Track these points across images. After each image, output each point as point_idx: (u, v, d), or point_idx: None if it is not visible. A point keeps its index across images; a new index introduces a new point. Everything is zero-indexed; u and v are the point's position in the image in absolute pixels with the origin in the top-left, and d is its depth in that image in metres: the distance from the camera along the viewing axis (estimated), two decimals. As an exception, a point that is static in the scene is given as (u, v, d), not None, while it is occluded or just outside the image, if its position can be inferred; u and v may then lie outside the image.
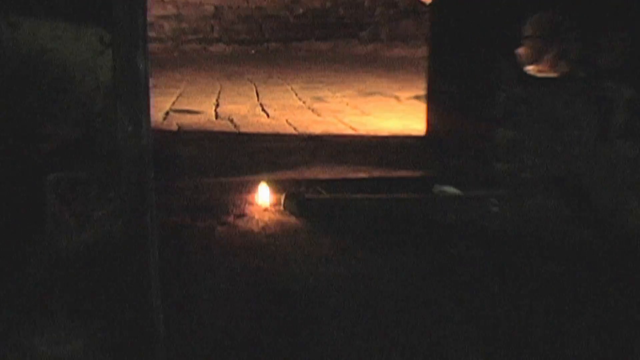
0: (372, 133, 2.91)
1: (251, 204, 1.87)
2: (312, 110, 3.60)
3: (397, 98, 4.07)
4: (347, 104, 3.86)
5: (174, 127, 3.08)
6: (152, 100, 3.35)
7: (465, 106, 2.31)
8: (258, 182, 1.95)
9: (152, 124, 2.31)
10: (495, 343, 1.20)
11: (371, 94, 4.31)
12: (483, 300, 1.34)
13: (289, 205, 1.83)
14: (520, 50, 2.07)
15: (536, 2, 2.06)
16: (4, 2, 1.43)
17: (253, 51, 6.94)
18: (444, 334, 1.22)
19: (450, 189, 1.99)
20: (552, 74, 2.10)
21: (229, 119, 3.30)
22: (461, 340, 1.20)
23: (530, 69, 2.09)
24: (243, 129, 3.03)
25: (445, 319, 1.28)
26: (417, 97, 3.69)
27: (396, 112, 3.54)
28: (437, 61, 2.61)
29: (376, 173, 2.14)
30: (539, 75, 2.09)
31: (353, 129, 3.04)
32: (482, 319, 1.28)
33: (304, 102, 3.92)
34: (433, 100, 2.65)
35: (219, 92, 4.30)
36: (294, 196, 1.84)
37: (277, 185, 1.95)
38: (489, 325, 1.26)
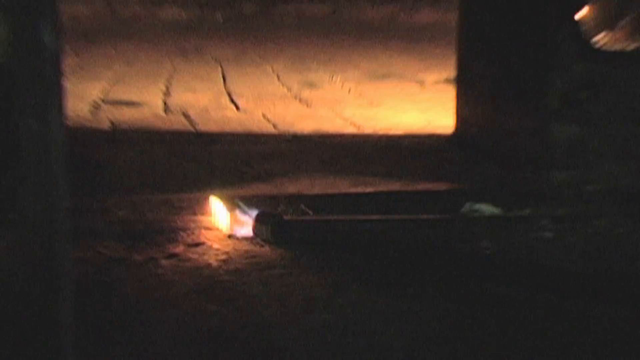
0: (381, 132, 3.00)
1: (209, 229, 1.94)
2: (300, 101, 3.70)
3: (420, 82, 4.16)
4: (350, 91, 3.96)
5: (106, 125, 3.16)
6: (76, 88, 3.48)
7: (509, 93, 2.40)
8: (219, 199, 2.03)
9: (73, 120, 2.46)
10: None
11: (384, 76, 4.40)
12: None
13: (261, 231, 1.90)
14: (585, 14, 2.15)
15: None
16: None
17: (220, 18, 7.05)
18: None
19: (487, 208, 2.07)
20: (629, 46, 2.18)
21: (182, 113, 3.39)
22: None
23: (598, 39, 2.17)
24: (202, 127, 3.12)
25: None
26: (448, 81, 3.79)
27: (417, 101, 3.64)
28: (470, 32, 2.70)
29: (384, 187, 2.22)
30: (611, 48, 2.17)
31: (356, 125, 3.13)
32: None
33: (288, 89, 4.01)
34: (465, 86, 2.75)
35: (170, 76, 4.40)
36: (269, 218, 1.92)
37: (246, 204, 2.02)
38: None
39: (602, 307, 1.60)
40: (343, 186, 2.28)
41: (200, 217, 1.99)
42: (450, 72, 3.07)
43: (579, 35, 2.15)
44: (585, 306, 1.60)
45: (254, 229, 1.91)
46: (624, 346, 1.45)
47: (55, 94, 1.04)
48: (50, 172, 1.14)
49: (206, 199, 2.06)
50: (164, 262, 1.79)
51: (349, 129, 3.09)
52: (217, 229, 1.95)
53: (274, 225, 1.89)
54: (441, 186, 2.26)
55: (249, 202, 2.00)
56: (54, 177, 1.14)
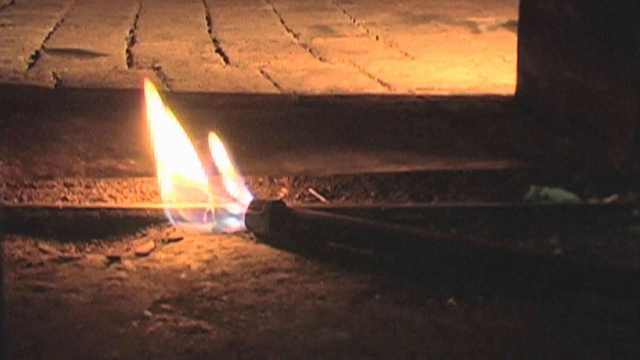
0: (419, 92, 3.01)
1: (187, 220, 1.96)
2: (311, 51, 3.73)
3: (471, 27, 4.18)
4: (378, 39, 3.98)
5: (50, 82, 3.20)
6: (12, 34, 3.53)
7: (589, 43, 2.42)
8: (201, 181, 2.04)
9: (7, 77, 2.47)
10: None
11: (424, 19, 4.44)
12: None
13: (255, 222, 1.91)
14: None
15: None
16: None
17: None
18: None
19: (560, 193, 2.08)
20: None
21: (152, 66, 3.42)
22: None
23: None
24: (178, 86, 3.15)
25: None
26: (509, 25, 3.80)
27: (468, 52, 3.67)
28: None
29: (421, 165, 2.24)
30: None
31: (385, 84, 3.15)
32: None
33: (295, 36, 4.04)
34: (529, 33, 2.79)
35: (137, 17, 4.43)
36: (266, 205, 1.93)
37: (236, 187, 2.04)
38: None
39: None
40: (366, 164, 2.30)
41: (175, 205, 2.01)
42: (513, 13, 3.08)
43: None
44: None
45: (247, 219, 1.92)
46: None
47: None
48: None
49: (185, 180, 2.07)
50: (127, 263, 1.81)
51: (376, 89, 3.10)
52: (199, 221, 1.97)
53: (273, 215, 1.90)
54: (497, 165, 2.27)
55: (240, 184, 2.01)
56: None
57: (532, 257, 1.75)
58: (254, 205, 1.93)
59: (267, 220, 1.89)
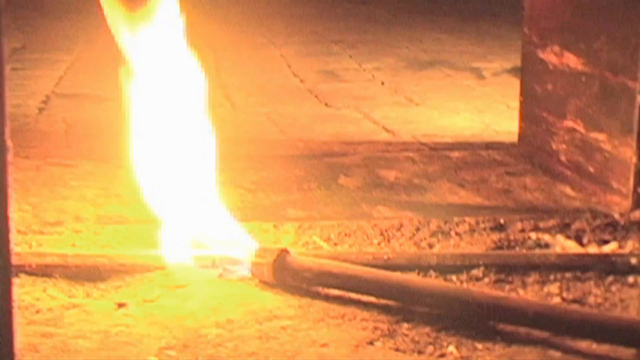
0: (423, 139, 3.04)
1: (190, 266, 1.99)
2: (318, 97, 3.74)
3: (476, 73, 4.21)
4: (383, 84, 4.00)
5: (60, 127, 3.22)
6: (23, 78, 3.54)
7: (592, 92, 2.45)
8: (205, 225, 2.08)
9: (18, 122, 2.50)
10: None
11: (429, 64, 4.46)
12: None
13: (260, 270, 1.95)
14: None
15: None
16: None
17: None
18: None
19: (560, 241, 2.11)
20: None
21: (161, 111, 3.44)
22: None
23: None
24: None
25: None
26: (513, 71, 3.83)
27: (472, 98, 3.69)
28: (540, 5, 2.75)
29: (423, 212, 2.26)
30: None
31: (389, 130, 3.18)
32: None
33: (302, 81, 4.06)
34: (532, 80, 2.82)
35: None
36: (270, 253, 1.96)
37: (242, 233, 2.07)
38: None
39: None
40: (369, 212, 2.32)
41: (178, 250, 2.03)
42: (517, 59, 3.11)
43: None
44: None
45: (253, 267, 1.96)
46: None
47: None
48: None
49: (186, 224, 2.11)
50: (134, 309, 1.83)
51: (381, 135, 3.13)
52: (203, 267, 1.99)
53: (276, 263, 1.93)
54: (499, 212, 2.30)
55: (245, 231, 2.05)
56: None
57: (530, 306, 1.78)
58: (259, 254, 1.97)
59: (271, 269, 1.93)
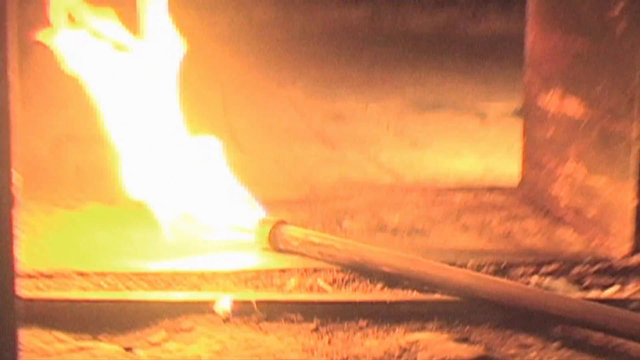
0: (426, 183, 3.08)
1: (200, 311, 1.99)
2: (324, 140, 3.75)
3: (480, 115, 4.23)
4: (388, 127, 4.02)
5: (69, 169, 3.24)
6: (34, 119, 3.52)
7: (591, 138, 2.48)
8: (212, 276, 2.12)
9: (29, 165, 2.52)
10: None
11: (434, 107, 4.47)
12: None
13: (260, 237, 2.26)
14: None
15: None
16: None
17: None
18: None
19: (562, 284, 2.12)
20: None
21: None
22: None
23: None
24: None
25: None
26: (517, 114, 3.85)
27: (476, 141, 3.71)
28: (536, 47, 2.78)
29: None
30: None
31: (394, 174, 3.22)
32: None
33: (308, 122, 4.06)
34: (533, 124, 2.85)
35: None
36: (271, 224, 2.29)
37: (248, 282, 2.12)
38: None
39: None
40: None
41: (187, 296, 2.04)
42: (521, 100, 3.12)
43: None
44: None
45: (255, 234, 2.29)
46: None
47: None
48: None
49: (194, 275, 2.13)
50: (141, 353, 1.84)
51: (385, 179, 3.15)
52: (212, 312, 2.00)
53: (272, 233, 2.26)
54: (501, 256, 2.31)
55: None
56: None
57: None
58: (261, 223, 2.35)
59: (268, 237, 2.30)
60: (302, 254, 2.28)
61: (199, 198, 2.53)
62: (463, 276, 2.08)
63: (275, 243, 2.31)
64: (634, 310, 1.99)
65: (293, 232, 2.32)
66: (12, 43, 1.30)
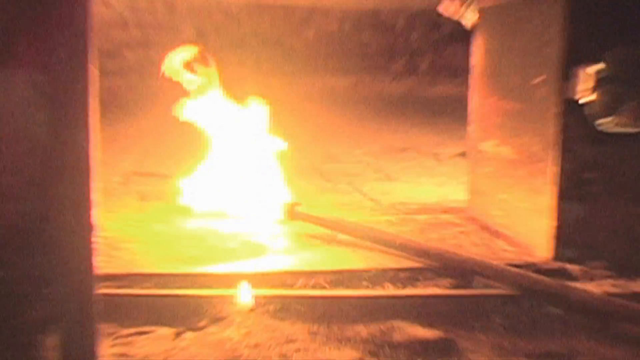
0: (398, 207, 3.05)
1: (232, 304, 1.99)
2: (322, 174, 3.76)
3: (436, 156, 4.23)
4: (369, 165, 4.02)
5: (134, 197, 3.22)
6: (109, 159, 3.50)
7: (518, 174, 2.46)
8: (241, 277, 2.10)
9: (103, 191, 2.47)
10: None
11: (401, 150, 4.47)
12: None
13: (283, 213, 2.55)
14: (593, 98, 2.20)
15: (616, 33, 2.20)
16: None
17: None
18: None
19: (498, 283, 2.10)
20: (633, 129, 2.23)
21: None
22: None
23: (603, 122, 2.22)
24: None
25: None
26: (463, 155, 3.85)
27: (433, 175, 3.70)
28: (477, 106, 2.78)
29: (398, 264, 2.25)
30: (618, 130, 2.22)
31: (373, 199, 3.19)
32: None
33: (310, 163, 4.07)
34: (476, 165, 2.83)
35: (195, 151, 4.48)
36: (290, 205, 2.55)
37: (267, 281, 2.09)
38: None
39: None
40: (356, 263, 2.31)
41: (223, 292, 2.03)
42: (465, 146, 3.12)
43: (588, 117, 2.20)
44: None
45: (280, 211, 2.63)
46: None
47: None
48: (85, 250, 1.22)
49: (225, 276, 2.11)
50: (189, 334, 1.84)
51: (367, 204, 3.14)
52: (240, 304, 1.99)
53: (289, 210, 2.60)
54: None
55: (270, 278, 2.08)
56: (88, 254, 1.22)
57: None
58: (284, 205, 2.64)
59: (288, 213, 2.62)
60: (307, 221, 2.60)
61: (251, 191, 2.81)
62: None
63: (293, 215, 2.65)
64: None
65: (303, 209, 2.67)
66: (94, 101, 1.28)
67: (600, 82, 2.16)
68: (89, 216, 1.19)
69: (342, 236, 2.48)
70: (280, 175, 2.91)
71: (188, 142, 4.64)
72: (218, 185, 2.88)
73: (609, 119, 2.23)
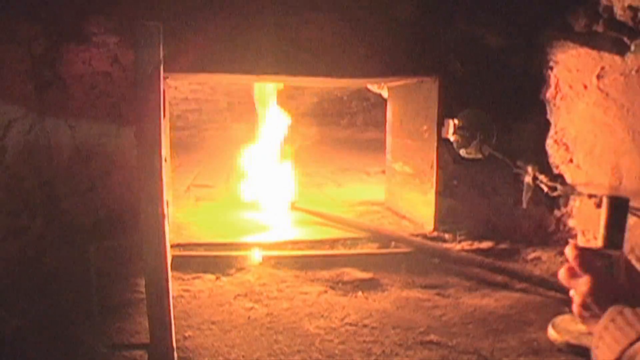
0: (347, 202, 3.02)
1: (249, 260, 1.95)
2: (301, 184, 3.72)
3: (367, 172, 4.23)
4: (329, 178, 4.00)
5: (192, 200, 3.17)
6: (178, 177, 3.38)
7: (413, 183, 2.47)
8: (253, 245, 2.05)
9: (174, 197, 2.40)
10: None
11: (347, 169, 4.46)
12: None
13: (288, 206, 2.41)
14: (454, 138, 2.24)
15: (464, 102, 2.25)
16: (63, 110, 1.68)
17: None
18: None
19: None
20: (478, 156, 2.27)
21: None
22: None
23: (461, 152, 2.26)
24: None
25: None
26: (383, 172, 3.85)
27: (366, 183, 3.69)
28: (391, 143, 2.80)
29: (342, 235, 2.22)
30: (469, 157, 2.26)
31: (332, 198, 3.17)
32: None
33: (308, 177, 4.01)
34: (389, 177, 2.81)
35: (230, 170, 4.43)
36: (293, 202, 2.44)
37: (270, 247, 2.04)
38: None
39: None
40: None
41: (243, 254, 1.97)
42: (384, 167, 3.12)
43: (453, 149, 2.23)
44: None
45: (287, 205, 2.53)
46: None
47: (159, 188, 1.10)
48: (159, 231, 1.19)
49: (244, 244, 2.04)
50: (224, 278, 1.82)
51: (327, 200, 3.11)
52: (254, 260, 1.93)
53: (292, 205, 2.52)
54: (377, 234, 2.23)
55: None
56: (162, 235, 1.20)
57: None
58: (289, 202, 2.54)
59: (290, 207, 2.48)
60: (304, 212, 2.46)
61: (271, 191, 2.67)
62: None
63: (293, 208, 2.51)
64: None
65: (301, 205, 2.53)
66: (166, 141, 1.27)
67: (457, 129, 2.20)
68: (162, 209, 1.18)
69: (318, 219, 2.41)
70: (287, 182, 2.80)
71: (225, 166, 4.60)
72: (249, 187, 2.79)
73: (463, 150, 2.27)
